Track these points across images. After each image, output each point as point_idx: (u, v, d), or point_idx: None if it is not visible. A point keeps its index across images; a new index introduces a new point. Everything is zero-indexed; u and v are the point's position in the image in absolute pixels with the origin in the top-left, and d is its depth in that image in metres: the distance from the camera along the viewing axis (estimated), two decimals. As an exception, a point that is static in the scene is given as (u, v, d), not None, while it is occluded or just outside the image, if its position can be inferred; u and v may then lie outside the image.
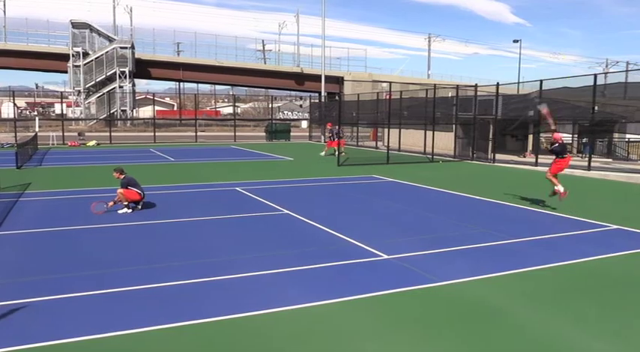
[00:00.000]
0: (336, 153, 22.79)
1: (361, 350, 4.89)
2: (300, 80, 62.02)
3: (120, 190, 10.95)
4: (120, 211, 10.84)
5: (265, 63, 67.18)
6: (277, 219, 10.61)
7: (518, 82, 27.42)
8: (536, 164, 20.91)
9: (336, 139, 24.29)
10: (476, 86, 24.60)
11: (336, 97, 47.81)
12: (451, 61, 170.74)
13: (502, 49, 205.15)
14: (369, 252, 8.16)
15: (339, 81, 58.73)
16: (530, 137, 24.82)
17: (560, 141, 12.02)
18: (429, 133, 25.09)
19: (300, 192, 14.69)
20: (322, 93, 44.29)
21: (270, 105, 53.18)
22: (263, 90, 73.05)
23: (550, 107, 21.50)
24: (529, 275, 7.10)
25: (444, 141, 25.61)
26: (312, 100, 45.45)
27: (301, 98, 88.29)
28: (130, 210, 10.89)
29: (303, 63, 63.57)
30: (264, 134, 41.64)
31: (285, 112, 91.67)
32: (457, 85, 26.84)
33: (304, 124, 55.45)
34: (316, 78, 51.67)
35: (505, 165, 22.03)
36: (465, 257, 7.93)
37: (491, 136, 23.75)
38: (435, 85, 26.74)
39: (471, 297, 6.23)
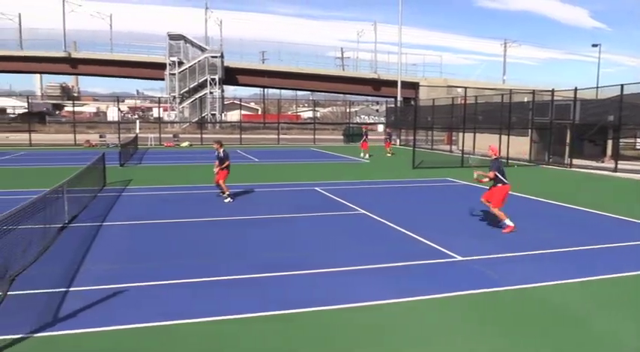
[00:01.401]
0: (366, 154, 27.03)
1: (440, 345, 5.09)
2: (377, 86, 62.95)
3: (221, 181, 12.83)
4: (226, 200, 12.83)
5: (344, 69, 68.81)
6: (354, 219, 11.05)
7: (597, 87, 26.64)
8: (615, 170, 20.56)
9: (367, 141, 28.06)
10: (553, 91, 24.42)
11: (412, 102, 48.36)
12: (526, 65, 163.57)
13: (579, 53, 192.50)
14: (443, 253, 8.21)
15: (414, 86, 59.07)
16: (610, 142, 24.20)
17: (498, 156, 10.01)
18: (504, 137, 25.17)
19: (376, 192, 15.33)
20: (398, 98, 45.09)
21: (347, 110, 54.53)
22: (341, 95, 74.70)
23: (631, 112, 21.23)
24: (613, 281, 7.02)
25: (519, 146, 25.53)
26: (389, 105, 46.32)
27: (377, 103, 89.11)
28: (232, 200, 12.79)
29: (379, 69, 64.69)
30: (341, 137, 43.11)
31: (362, 116, 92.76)
32: (533, 90, 26.66)
33: (380, 128, 56.34)
34: (392, 83, 52.36)
35: (582, 170, 21.67)
36: (541, 261, 7.93)
37: (568, 141, 23.49)
38: (510, 90, 26.79)
39: (553, 301, 6.25)
